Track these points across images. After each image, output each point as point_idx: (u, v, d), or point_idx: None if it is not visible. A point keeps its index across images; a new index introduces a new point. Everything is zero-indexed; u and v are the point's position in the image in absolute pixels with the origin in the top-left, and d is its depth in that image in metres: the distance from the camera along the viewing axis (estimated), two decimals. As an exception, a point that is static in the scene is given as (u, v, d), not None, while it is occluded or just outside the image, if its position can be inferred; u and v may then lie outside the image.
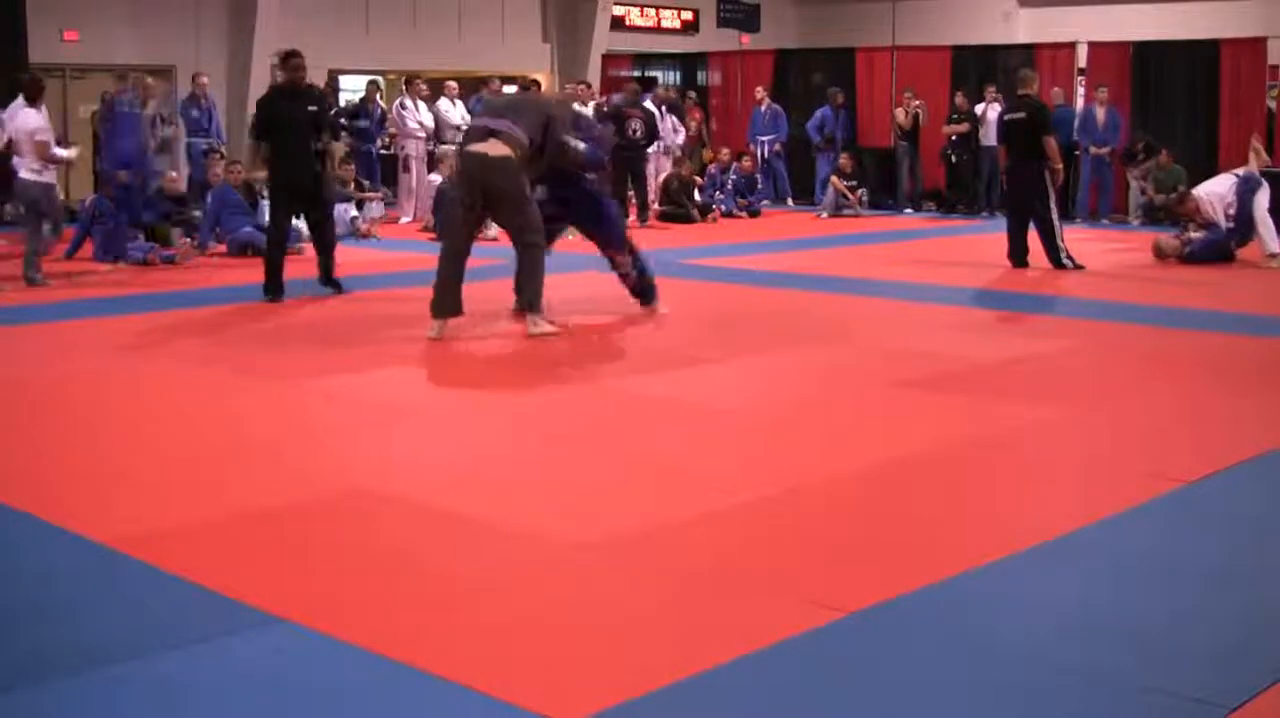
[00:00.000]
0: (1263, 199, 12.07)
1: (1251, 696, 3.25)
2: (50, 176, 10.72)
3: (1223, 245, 12.12)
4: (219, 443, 5.72)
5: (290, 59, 10.11)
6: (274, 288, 9.87)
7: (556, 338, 8.28)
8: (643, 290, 9.02)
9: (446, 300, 8.30)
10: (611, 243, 8.95)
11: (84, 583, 4.07)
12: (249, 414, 6.29)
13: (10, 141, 10.83)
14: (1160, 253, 12.26)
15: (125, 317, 9.12)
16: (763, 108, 18.70)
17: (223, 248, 12.68)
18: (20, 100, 11.25)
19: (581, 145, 8.62)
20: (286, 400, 6.57)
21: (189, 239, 12.53)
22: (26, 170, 10.50)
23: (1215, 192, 12.24)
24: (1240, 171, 12.36)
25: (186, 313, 9.41)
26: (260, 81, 17.40)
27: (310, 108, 9.97)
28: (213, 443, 5.71)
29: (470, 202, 8.36)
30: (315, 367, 7.30)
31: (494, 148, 8.13)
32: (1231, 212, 12.06)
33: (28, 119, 10.56)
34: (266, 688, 3.31)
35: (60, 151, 11.16)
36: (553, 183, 8.78)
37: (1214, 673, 3.41)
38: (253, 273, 11.30)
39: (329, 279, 10.21)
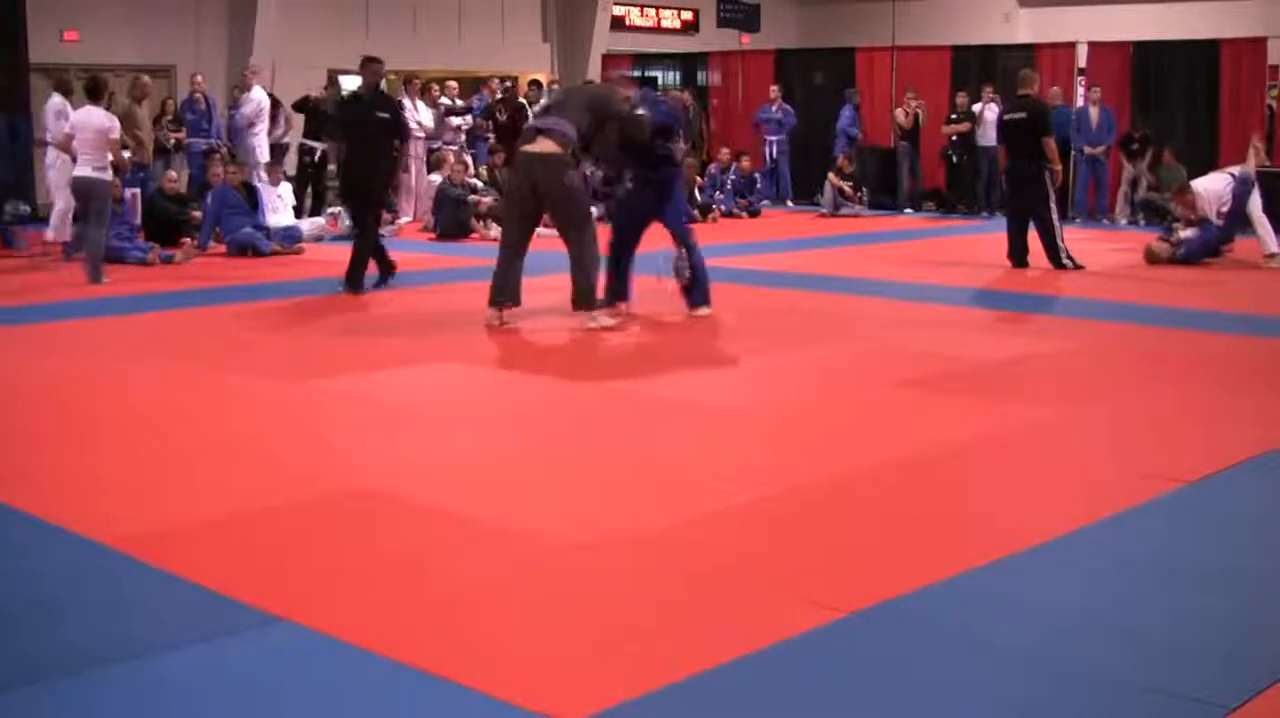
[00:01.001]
0: (1257, 198, 12.07)
1: (1251, 696, 3.25)
2: (109, 174, 10.94)
3: (1213, 244, 12.12)
4: (219, 443, 5.71)
5: (369, 64, 10.44)
6: (354, 280, 10.12)
7: (554, 338, 8.28)
8: (692, 290, 9.08)
9: (504, 290, 8.64)
10: (674, 235, 9.09)
11: (83, 583, 4.07)
12: (249, 414, 6.29)
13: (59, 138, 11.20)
14: (1152, 258, 12.23)
15: (125, 317, 9.11)
16: (774, 108, 18.67)
17: (223, 248, 12.68)
18: (57, 99, 11.56)
19: (643, 112, 8.78)
20: (287, 400, 6.57)
21: (189, 239, 12.53)
22: (90, 168, 10.68)
23: (1212, 189, 12.23)
24: (1235, 171, 12.35)
25: (187, 313, 9.41)
26: (261, 82, 17.44)
27: (382, 113, 10.27)
28: (213, 443, 5.71)
29: (522, 198, 8.68)
30: (316, 367, 7.30)
31: (542, 146, 8.47)
32: (1224, 209, 12.05)
33: (97, 117, 10.80)
34: (266, 688, 3.32)
35: (125, 153, 11.57)
36: (638, 167, 8.98)
37: (1214, 673, 3.41)
38: (253, 273, 11.33)
39: (354, 277, 10.30)
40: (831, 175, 17.43)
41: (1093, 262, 11.95)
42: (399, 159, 10.31)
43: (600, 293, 8.80)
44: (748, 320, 9.07)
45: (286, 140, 15.88)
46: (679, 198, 9.34)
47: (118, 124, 11.15)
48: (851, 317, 9.25)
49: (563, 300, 8.81)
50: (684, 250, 9.00)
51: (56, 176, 12.74)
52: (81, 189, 10.78)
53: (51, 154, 12.83)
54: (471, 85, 18.01)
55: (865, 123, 18.90)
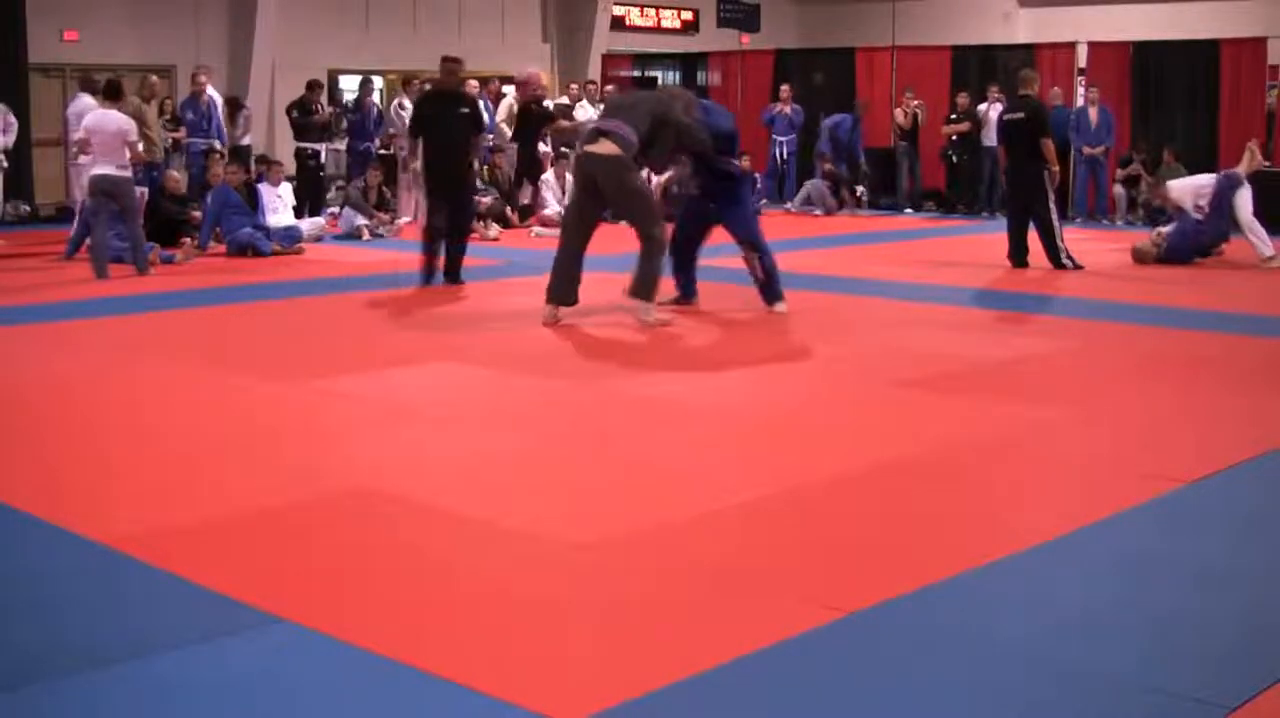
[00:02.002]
0: (1245, 201, 12.02)
1: (1251, 696, 3.25)
2: (130, 172, 11.16)
3: (1193, 236, 12.07)
4: (219, 443, 5.71)
5: (448, 63, 10.84)
6: (428, 275, 10.41)
7: (559, 337, 8.28)
8: (767, 288, 9.30)
9: (559, 288, 8.79)
10: (745, 238, 9.30)
11: (84, 583, 4.07)
12: (249, 414, 6.29)
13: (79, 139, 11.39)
14: (1140, 257, 12.23)
15: (125, 317, 9.11)
16: (787, 108, 18.63)
17: (223, 248, 12.68)
18: (86, 99, 12.26)
19: (696, 124, 9.03)
20: (287, 401, 6.57)
21: (189, 239, 12.53)
22: (113, 167, 10.87)
23: (1193, 181, 12.21)
24: (1225, 174, 12.34)
25: (187, 313, 9.41)
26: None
27: (462, 109, 10.65)
28: (213, 443, 5.71)
29: (582, 197, 8.87)
30: (316, 367, 7.30)
31: (603, 147, 8.66)
32: (1203, 203, 12.03)
33: (114, 120, 10.99)
34: (266, 688, 3.32)
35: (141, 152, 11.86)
36: (705, 176, 9.29)
37: (1214, 673, 3.41)
38: (252, 273, 11.33)
39: (453, 272, 10.57)
40: (810, 183, 17.63)
41: (1093, 262, 11.95)
42: (477, 151, 10.77)
43: (672, 290, 9.20)
44: (748, 320, 9.07)
45: (246, 142, 15.70)
46: (746, 202, 9.59)
47: (135, 127, 11.30)
48: (851, 317, 9.25)
49: (609, 300, 8.94)
50: (755, 254, 9.23)
51: (82, 175, 12.77)
52: (105, 188, 10.91)
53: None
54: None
55: (865, 123, 18.90)
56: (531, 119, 15.85)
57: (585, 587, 4.04)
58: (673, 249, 9.22)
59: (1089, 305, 9.73)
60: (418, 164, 10.68)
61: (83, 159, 12.24)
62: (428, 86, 13.06)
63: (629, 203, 8.82)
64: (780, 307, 9.25)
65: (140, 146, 11.66)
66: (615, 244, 9.97)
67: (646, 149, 8.84)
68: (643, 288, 8.70)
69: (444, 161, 10.49)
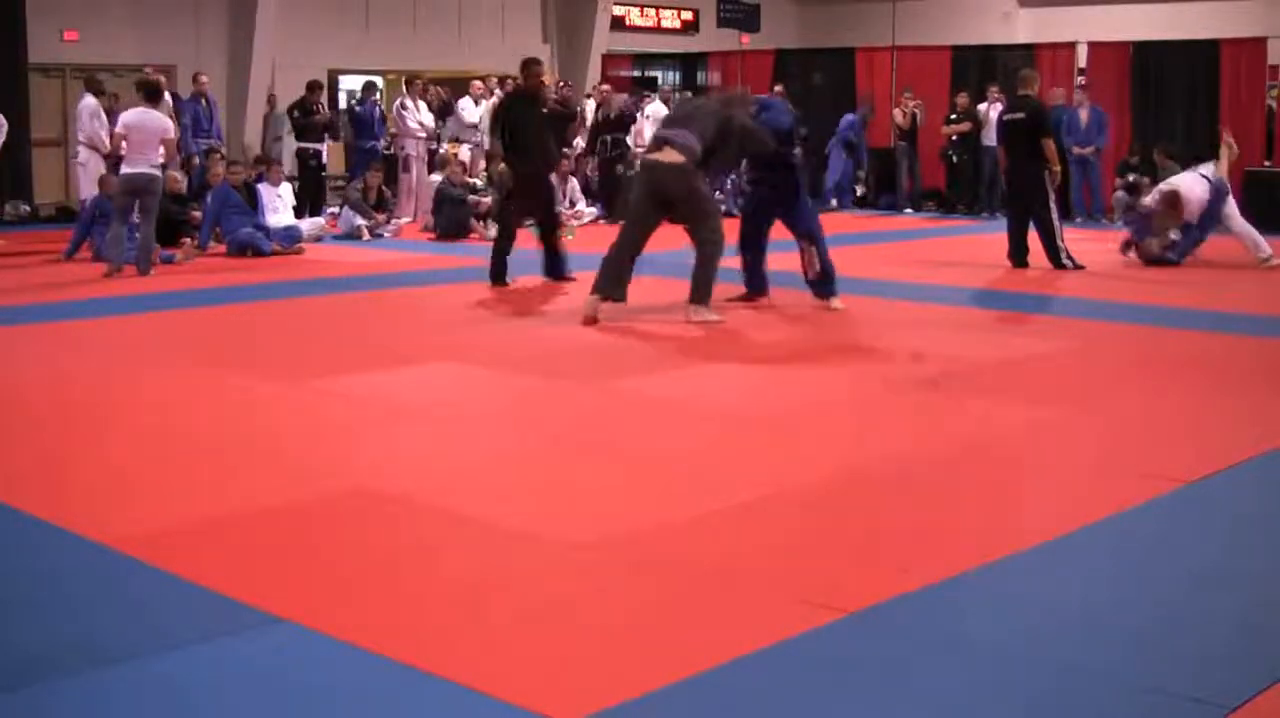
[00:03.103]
0: (1234, 209, 12.05)
1: (1251, 696, 3.25)
2: (160, 171, 11.39)
3: (1190, 249, 12.12)
4: (219, 443, 5.71)
5: (529, 66, 11.06)
6: (499, 275, 10.48)
7: (559, 337, 8.28)
8: (822, 284, 9.42)
9: (607, 283, 8.92)
10: (805, 232, 9.45)
11: (84, 583, 4.07)
12: (250, 414, 6.29)
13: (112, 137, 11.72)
14: (1147, 256, 12.24)
15: (125, 316, 9.11)
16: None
17: (223, 248, 12.68)
18: (90, 100, 12.29)
19: (758, 128, 9.30)
20: (288, 401, 6.57)
21: (189, 239, 12.53)
22: (146, 164, 11.08)
23: (1194, 193, 12.12)
24: (1206, 172, 12.21)
25: (187, 313, 9.41)
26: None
27: (543, 110, 10.89)
28: (213, 443, 5.71)
29: (645, 203, 9.09)
30: (316, 367, 7.30)
31: (667, 155, 8.90)
32: (1202, 211, 12.01)
33: (154, 119, 11.21)
34: (266, 688, 3.32)
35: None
36: (764, 170, 9.59)
37: (1214, 673, 3.41)
38: (253, 273, 11.33)
39: (556, 267, 10.73)
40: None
41: (1092, 262, 11.94)
42: (561, 149, 11.08)
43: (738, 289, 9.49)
44: (747, 320, 9.07)
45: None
46: (804, 195, 9.74)
47: (173, 126, 11.57)
48: (851, 316, 9.24)
49: (646, 299, 9.07)
50: (812, 248, 9.37)
51: (86, 174, 12.79)
52: (137, 186, 11.07)
53: (84, 153, 12.87)
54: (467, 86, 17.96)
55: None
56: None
57: (585, 587, 4.04)
58: (741, 246, 9.53)
59: (1089, 305, 9.73)
60: (501, 166, 10.89)
61: (81, 155, 12.33)
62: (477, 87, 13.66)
63: (694, 207, 9.00)
64: (836, 303, 9.35)
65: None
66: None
67: (710, 156, 9.02)
68: (700, 291, 8.86)
69: (527, 162, 10.64)
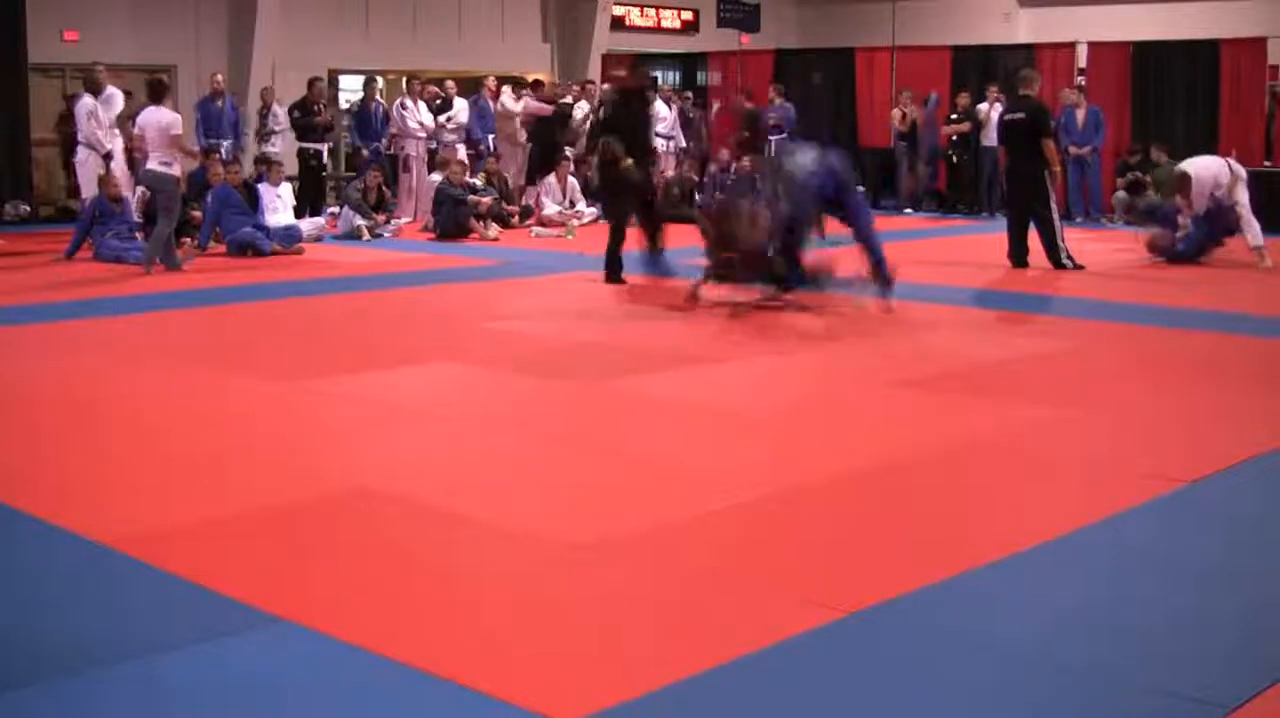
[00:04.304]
0: (1245, 194, 12.09)
1: (1251, 696, 3.25)
2: (177, 170, 11.51)
3: (1203, 243, 12.14)
4: (219, 443, 5.71)
5: (637, 67, 12.05)
6: (615, 271, 10.68)
7: (560, 338, 8.28)
8: (876, 280, 9.47)
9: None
10: (861, 230, 9.63)
11: (83, 583, 4.07)
12: (250, 414, 6.29)
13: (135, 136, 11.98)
14: (1154, 248, 12.32)
15: (125, 317, 9.11)
16: (778, 103, 18.60)
17: (223, 248, 12.68)
18: (88, 99, 12.54)
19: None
20: (287, 401, 6.57)
21: (189, 239, 12.53)
22: (157, 163, 11.29)
23: (1208, 171, 12.12)
24: (1230, 161, 12.29)
25: (187, 313, 9.41)
26: (260, 81, 17.45)
27: (647, 110, 11.35)
28: (213, 443, 5.71)
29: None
30: (316, 367, 7.30)
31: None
32: (1219, 193, 11.98)
33: (161, 115, 11.34)
34: (266, 688, 3.32)
35: (193, 146, 12.47)
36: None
37: (1214, 673, 3.41)
38: (253, 273, 11.33)
39: (657, 257, 10.80)
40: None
41: (1093, 262, 11.95)
42: (563, 149, 11.46)
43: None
44: (747, 320, 9.07)
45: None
46: (861, 195, 10.10)
47: (179, 120, 11.56)
48: (851, 316, 9.24)
49: (646, 300, 8.84)
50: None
51: (86, 174, 12.80)
52: (145, 184, 11.38)
53: (82, 152, 12.89)
54: (471, 84, 17.97)
55: (864, 123, 18.93)
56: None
57: (585, 587, 4.04)
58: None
59: (1089, 305, 9.73)
60: (628, 162, 11.03)
61: (80, 155, 12.41)
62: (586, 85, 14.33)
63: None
64: (891, 301, 9.35)
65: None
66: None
67: None
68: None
69: (633, 159, 10.84)
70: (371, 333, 8.57)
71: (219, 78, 15.68)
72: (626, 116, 11.02)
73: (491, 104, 17.03)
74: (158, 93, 11.54)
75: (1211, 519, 4.78)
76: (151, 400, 6.57)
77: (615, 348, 8.05)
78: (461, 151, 16.22)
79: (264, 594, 3.87)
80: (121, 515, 4.64)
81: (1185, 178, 12.14)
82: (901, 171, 18.14)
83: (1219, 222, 12.11)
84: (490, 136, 16.89)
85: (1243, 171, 12.11)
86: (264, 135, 15.85)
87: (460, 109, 16.60)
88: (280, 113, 15.87)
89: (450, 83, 17.12)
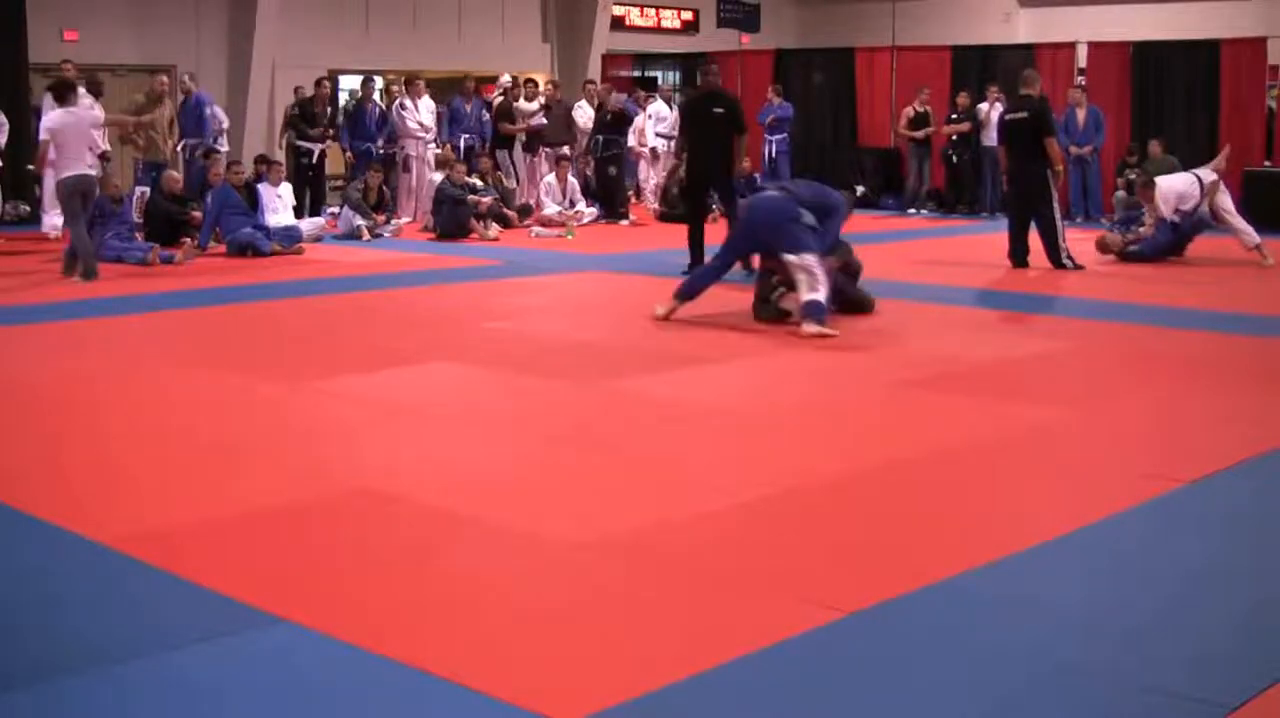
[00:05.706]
0: (1228, 200, 12.14)
1: (1251, 696, 3.25)
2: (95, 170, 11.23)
3: (1165, 247, 12.19)
4: (219, 443, 5.71)
5: (708, 67, 12.26)
6: (698, 260, 10.85)
7: (560, 338, 8.29)
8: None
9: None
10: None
11: (85, 583, 4.08)
12: (250, 414, 6.29)
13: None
14: (1104, 247, 12.39)
15: (125, 317, 9.11)
16: (776, 103, 18.59)
17: (223, 248, 12.68)
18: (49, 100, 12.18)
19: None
20: (288, 401, 6.57)
21: (189, 239, 12.53)
22: (83, 166, 10.94)
23: (1174, 186, 12.19)
24: (1201, 173, 12.31)
25: (187, 313, 9.42)
26: (260, 81, 17.47)
27: (718, 109, 11.36)
28: (213, 443, 5.71)
29: None
30: (316, 367, 7.30)
31: None
32: (1186, 207, 12.03)
33: (83, 117, 11.08)
34: (267, 688, 3.32)
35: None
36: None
37: (1214, 673, 3.41)
38: (252, 273, 11.33)
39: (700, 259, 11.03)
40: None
41: (1092, 262, 11.95)
42: (738, 152, 11.43)
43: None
44: (747, 320, 9.07)
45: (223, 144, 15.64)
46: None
47: (102, 116, 11.42)
48: (851, 316, 9.23)
49: (646, 300, 8.85)
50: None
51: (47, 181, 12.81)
52: (80, 187, 10.86)
53: (53, 153, 12.86)
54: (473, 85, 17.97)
55: (864, 123, 18.92)
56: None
57: (585, 587, 4.04)
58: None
59: (1089, 305, 9.73)
60: (680, 165, 11.47)
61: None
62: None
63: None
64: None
65: (102, 138, 11.77)
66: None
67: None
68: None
69: (703, 157, 11.24)
70: (372, 333, 8.57)
71: (186, 77, 15.59)
72: (697, 118, 11.38)
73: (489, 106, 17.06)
74: (62, 95, 11.18)
75: (1211, 519, 4.78)
76: (152, 400, 6.58)
77: (615, 348, 8.05)
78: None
79: (264, 594, 3.87)
80: (122, 515, 4.65)
81: (1151, 184, 12.29)
82: (911, 170, 18.08)
83: (1183, 233, 12.23)
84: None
85: (1213, 176, 12.13)
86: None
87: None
88: (219, 112, 15.70)
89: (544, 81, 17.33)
